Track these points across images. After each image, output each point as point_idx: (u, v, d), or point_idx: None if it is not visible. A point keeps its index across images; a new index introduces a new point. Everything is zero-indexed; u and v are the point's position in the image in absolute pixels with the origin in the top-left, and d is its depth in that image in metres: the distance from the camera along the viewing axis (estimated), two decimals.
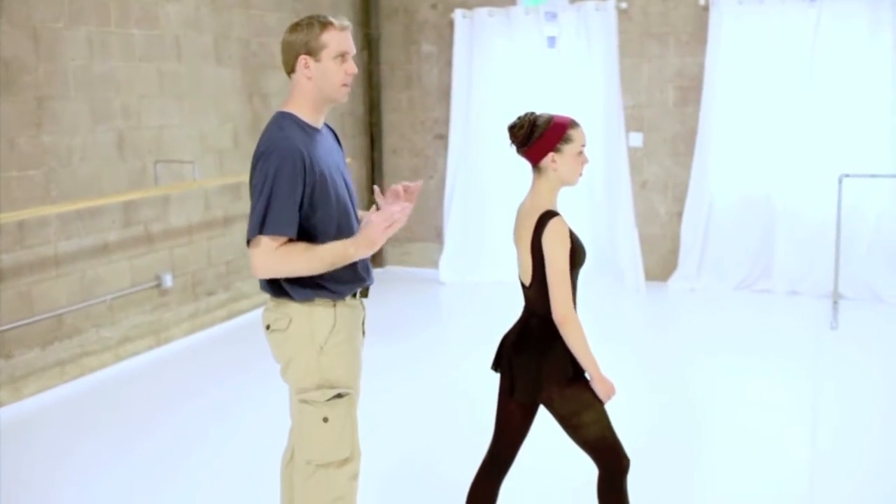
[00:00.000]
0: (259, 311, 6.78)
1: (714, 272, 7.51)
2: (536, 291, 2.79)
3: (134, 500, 3.83)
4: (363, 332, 2.82)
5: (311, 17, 2.64)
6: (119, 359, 5.64)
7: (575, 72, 7.64)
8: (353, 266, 2.65)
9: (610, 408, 2.86)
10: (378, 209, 2.81)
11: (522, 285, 2.89)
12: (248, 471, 4.10)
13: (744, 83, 7.26)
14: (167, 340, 6.04)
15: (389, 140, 8.42)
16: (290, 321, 2.62)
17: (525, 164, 2.90)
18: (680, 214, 7.62)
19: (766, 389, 5.12)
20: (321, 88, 2.62)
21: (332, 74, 2.61)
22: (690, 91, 7.49)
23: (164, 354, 5.90)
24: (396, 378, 5.30)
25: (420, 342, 6.21)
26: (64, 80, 5.16)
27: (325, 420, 2.63)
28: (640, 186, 7.72)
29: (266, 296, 2.75)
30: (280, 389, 4.98)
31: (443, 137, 8.22)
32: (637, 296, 7.45)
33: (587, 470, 2.96)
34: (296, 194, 2.50)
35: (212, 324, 6.45)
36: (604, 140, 7.48)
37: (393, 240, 8.04)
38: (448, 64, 8.04)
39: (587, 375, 2.83)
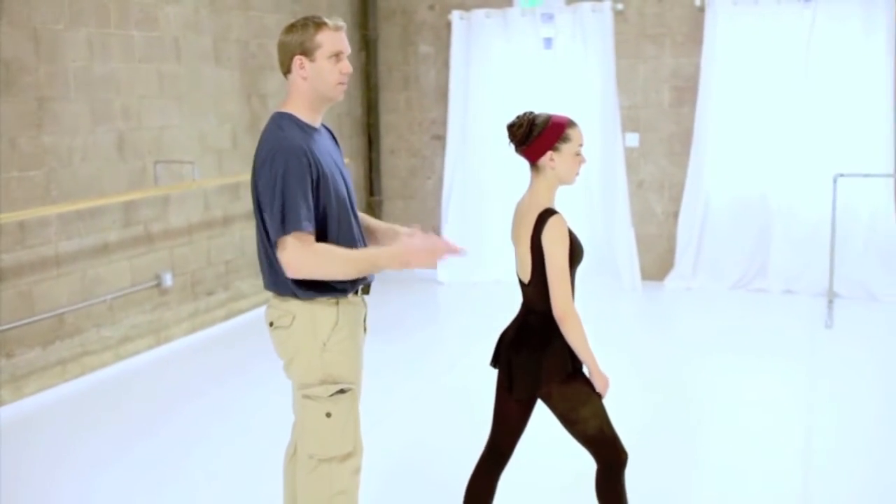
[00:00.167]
0: (258, 311, 6.86)
1: (710, 271, 7.56)
2: (535, 288, 2.84)
3: (135, 498, 3.86)
4: (364, 329, 2.86)
5: (305, 18, 2.68)
6: (119, 358, 5.68)
7: (571, 73, 7.69)
8: None
9: (607, 405, 2.91)
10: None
11: (521, 283, 2.93)
12: (248, 468, 4.13)
13: (739, 84, 7.31)
14: (167, 340, 6.07)
15: (387, 141, 8.46)
16: (294, 318, 2.66)
17: (523, 165, 2.94)
18: (676, 214, 7.67)
19: (762, 387, 5.16)
20: (317, 88, 2.66)
21: (327, 74, 2.65)
22: (686, 91, 7.54)
23: (164, 354, 5.94)
24: (396, 376, 5.34)
25: (419, 341, 6.25)
26: (64, 81, 5.19)
27: (328, 415, 2.66)
28: (637, 186, 7.77)
29: (266, 294, 2.79)
30: (280, 388, 5.03)
31: (440, 138, 8.27)
32: (633, 295, 7.50)
33: (585, 465, 3.01)
34: (307, 190, 2.54)
35: (211, 323, 6.49)
36: (600, 140, 7.53)
37: None
38: (445, 65, 8.08)
39: (585, 370, 2.87)
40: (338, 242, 2.65)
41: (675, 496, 3.80)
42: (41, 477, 4.07)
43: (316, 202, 2.59)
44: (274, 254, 2.61)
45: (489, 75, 7.90)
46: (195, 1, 6.20)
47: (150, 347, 5.93)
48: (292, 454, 2.99)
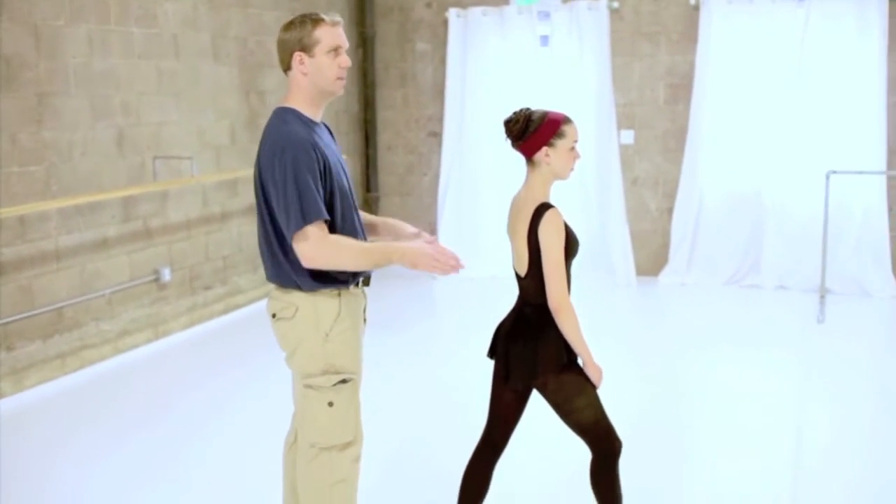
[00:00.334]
0: (255, 306, 6.92)
1: (704, 267, 7.63)
2: (532, 281, 2.89)
3: (133, 489, 3.91)
4: (364, 320, 2.91)
5: (303, 16, 2.74)
6: (118, 352, 5.72)
7: (567, 70, 7.74)
8: None
9: (601, 395, 2.96)
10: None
11: (517, 275, 2.99)
12: (247, 459, 4.18)
13: (733, 81, 7.38)
14: (165, 334, 6.12)
15: (384, 137, 8.51)
16: (297, 310, 2.71)
17: (518, 161, 2.99)
18: (670, 210, 7.73)
19: (754, 381, 5.23)
20: (317, 83, 2.72)
21: (326, 69, 2.70)
22: (681, 89, 7.60)
23: (162, 347, 5.98)
24: (394, 368, 5.40)
25: (416, 334, 6.30)
26: (64, 77, 5.24)
27: (331, 404, 2.71)
28: (632, 183, 7.83)
29: (264, 289, 2.84)
30: (278, 381, 5.09)
31: (437, 135, 8.32)
32: (628, 290, 7.56)
33: (580, 455, 3.07)
34: (317, 181, 2.59)
35: (209, 317, 6.54)
36: (596, 137, 7.59)
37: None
38: (442, 62, 8.14)
39: (580, 362, 2.93)
40: (341, 234, 2.70)
41: (668, 487, 3.86)
42: (41, 468, 4.12)
43: (324, 194, 2.64)
44: (278, 246, 2.66)
45: (486, 72, 7.96)
46: None
47: (149, 341, 5.98)
48: (292, 443, 3.04)
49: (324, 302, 2.71)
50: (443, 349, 5.99)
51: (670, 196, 7.74)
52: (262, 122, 6.97)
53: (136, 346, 5.87)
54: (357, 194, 8.30)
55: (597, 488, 3.01)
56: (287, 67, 2.73)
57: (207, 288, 6.54)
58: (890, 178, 7.15)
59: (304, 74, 2.71)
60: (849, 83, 7.09)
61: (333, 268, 2.65)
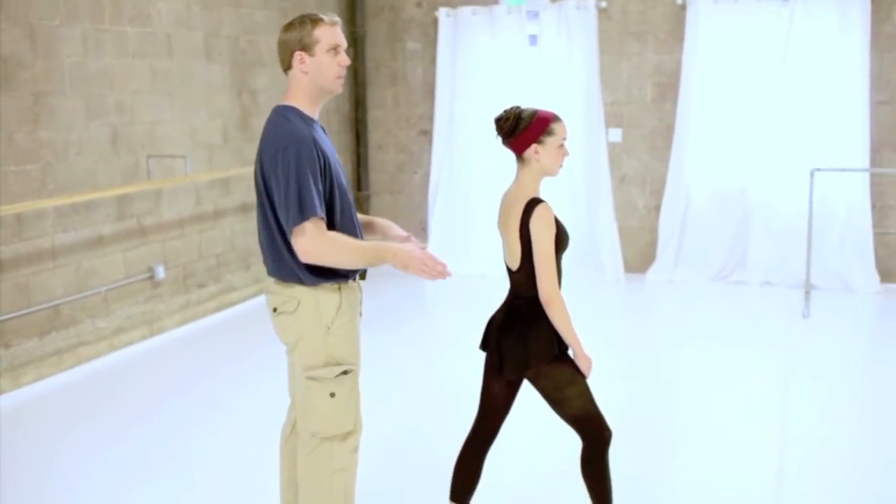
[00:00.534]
0: (248, 303, 6.99)
1: (691, 264, 7.73)
2: (523, 274, 2.98)
3: (130, 484, 3.97)
4: (360, 313, 2.99)
5: (302, 16, 2.82)
6: (114, 348, 5.79)
7: (556, 69, 7.84)
8: None
9: (590, 386, 3.05)
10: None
11: (508, 270, 3.07)
12: (241, 453, 4.26)
13: (719, 80, 7.49)
14: (160, 331, 6.19)
15: (375, 136, 8.58)
16: (299, 304, 2.78)
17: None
18: (658, 208, 7.83)
19: (740, 374, 5.33)
20: (317, 81, 2.80)
21: (326, 67, 2.79)
22: (668, 88, 7.70)
23: (157, 344, 6.05)
24: (388, 363, 5.48)
25: (409, 331, 6.38)
26: (60, 77, 5.30)
27: (332, 395, 2.79)
28: (620, 181, 7.93)
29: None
30: (271, 377, 5.19)
31: (427, 133, 8.40)
32: (616, 287, 7.66)
33: (570, 444, 3.16)
34: (317, 178, 2.68)
35: (203, 315, 6.60)
36: (584, 135, 7.68)
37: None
38: (432, 61, 8.22)
39: (570, 352, 3.02)
40: (340, 229, 2.79)
41: (656, 476, 3.96)
42: (39, 463, 4.18)
43: (324, 190, 2.72)
44: (282, 241, 2.74)
45: (475, 72, 8.04)
46: None
47: (144, 338, 6.04)
48: (289, 434, 3.11)
49: (325, 296, 2.79)
50: (435, 345, 6.08)
51: (658, 194, 7.84)
52: (255, 120, 7.05)
53: (131, 342, 5.93)
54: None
55: (587, 476, 3.10)
56: (287, 67, 2.82)
57: (201, 286, 6.61)
58: (873, 176, 7.27)
59: (305, 73, 2.79)
60: (832, 81, 7.21)
61: (329, 264, 2.73)
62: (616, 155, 7.89)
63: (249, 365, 5.55)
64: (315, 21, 2.77)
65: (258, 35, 7.05)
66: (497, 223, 3.10)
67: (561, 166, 3.02)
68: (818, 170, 6.88)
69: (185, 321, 6.43)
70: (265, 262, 2.88)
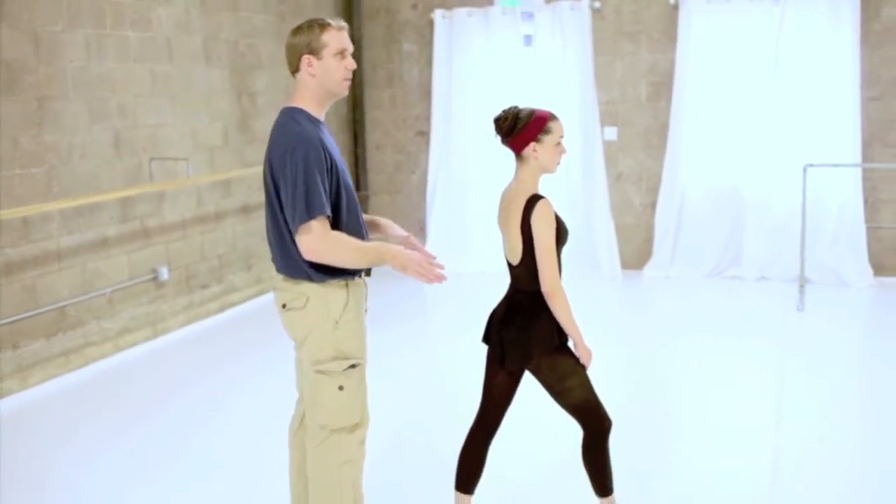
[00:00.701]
0: (250, 304, 7.08)
1: (687, 260, 7.82)
2: (524, 269, 3.07)
3: (137, 481, 4.04)
4: (366, 309, 3.08)
5: (311, 21, 2.90)
6: (119, 349, 5.86)
7: (551, 69, 7.93)
8: None
9: (590, 377, 3.14)
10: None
11: (509, 265, 3.16)
12: (248, 450, 4.34)
13: (712, 78, 7.58)
14: (164, 332, 6.26)
15: (372, 137, 8.67)
16: (308, 300, 2.87)
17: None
18: (653, 205, 7.93)
19: (737, 367, 5.43)
20: (324, 84, 2.89)
21: (333, 70, 2.88)
22: (662, 87, 7.80)
23: (161, 345, 6.12)
24: (390, 360, 5.55)
25: (410, 329, 6.46)
26: (63, 81, 5.38)
27: (341, 388, 2.88)
28: (615, 178, 8.02)
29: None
30: (274, 376, 5.28)
31: (424, 134, 8.48)
32: (613, 284, 7.75)
33: (571, 435, 3.24)
34: (324, 178, 2.77)
35: (206, 315, 6.68)
36: (580, 134, 7.77)
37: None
38: (428, 62, 8.30)
39: (570, 344, 3.11)
40: (346, 228, 2.88)
41: (655, 464, 4.04)
42: (47, 462, 4.25)
43: (330, 190, 2.81)
44: (290, 239, 2.82)
45: (471, 72, 8.13)
46: (186, 2, 6.39)
47: (148, 339, 6.12)
48: (297, 428, 3.20)
49: (333, 292, 2.87)
50: (435, 342, 6.17)
51: (653, 191, 7.94)
52: (254, 123, 7.13)
53: (135, 343, 6.01)
54: None
55: (588, 465, 3.20)
56: (295, 70, 2.90)
57: (203, 286, 6.69)
58: (865, 171, 7.36)
59: (312, 76, 2.87)
60: (824, 79, 7.31)
61: (331, 262, 2.82)
62: (612, 153, 7.98)
63: (252, 364, 5.64)
64: (323, 26, 2.86)
65: (257, 38, 7.13)
66: (497, 219, 3.19)
67: (558, 164, 3.12)
68: (811, 166, 6.97)
69: (189, 322, 6.51)
70: (274, 259, 2.97)
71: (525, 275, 3.09)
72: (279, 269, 2.95)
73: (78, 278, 5.53)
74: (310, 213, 2.74)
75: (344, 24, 2.91)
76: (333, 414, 2.90)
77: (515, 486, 3.85)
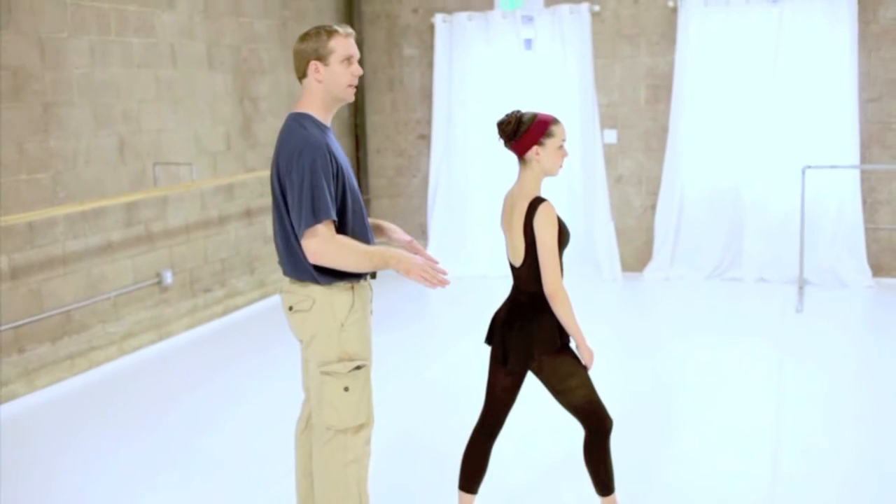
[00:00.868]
0: (253, 307, 7.13)
1: (687, 262, 7.87)
2: (526, 270, 3.12)
3: (143, 484, 4.08)
4: (371, 311, 3.12)
5: (318, 27, 2.95)
6: (124, 353, 5.91)
7: (551, 72, 7.98)
8: None
9: (592, 377, 3.19)
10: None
11: (512, 266, 3.21)
12: (254, 452, 4.38)
13: (711, 81, 7.63)
14: (168, 335, 6.31)
15: (374, 140, 8.72)
16: (314, 302, 2.92)
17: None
18: (653, 207, 7.97)
19: (737, 367, 5.47)
20: (330, 90, 2.94)
21: (339, 76, 2.93)
22: (661, 89, 7.85)
23: (165, 348, 6.17)
24: (392, 364, 5.59)
25: (410, 332, 6.49)
26: (68, 87, 5.43)
27: (346, 389, 2.92)
28: (616, 181, 8.07)
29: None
30: (278, 378, 5.34)
31: (425, 137, 8.54)
32: (614, 285, 7.80)
33: (573, 435, 3.29)
34: (330, 182, 2.82)
35: (209, 319, 6.73)
36: (580, 137, 7.82)
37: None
38: (429, 66, 8.35)
39: (572, 345, 3.16)
40: (353, 231, 2.93)
41: (653, 466, 4.09)
42: (54, 464, 4.30)
43: (336, 194, 2.86)
44: (297, 242, 2.87)
45: (472, 76, 8.18)
46: (189, 8, 6.44)
47: (153, 343, 6.17)
48: (303, 428, 3.24)
49: (339, 294, 2.92)
50: (437, 344, 6.21)
51: (653, 193, 7.98)
52: (257, 127, 7.19)
53: (140, 347, 6.05)
54: None
55: (590, 464, 3.24)
56: (302, 75, 2.95)
57: (207, 290, 6.73)
58: (863, 172, 7.41)
59: (319, 82, 2.92)
60: (822, 80, 7.35)
61: (335, 265, 2.86)
62: (612, 155, 8.03)
63: (256, 367, 5.68)
64: (330, 32, 2.91)
65: (259, 44, 7.18)
66: (500, 221, 3.23)
67: (561, 166, 3.17)
68: (809, 167, 7.03)
69: (193, 325, 6.55)
70: (281, 262, 3.01)
71: (527, 276, 3.13)
72: (286, 272, 2.99)
73: (83, 282, 5.58)
74: (315, 218, 2.79)
75: (351, 30, 2.97)
76: (339, 414, 2.95)
77: (518, 486, 3.89)
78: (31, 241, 5.21)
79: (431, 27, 8.27)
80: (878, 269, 7.50)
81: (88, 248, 5.62)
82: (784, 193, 7.48)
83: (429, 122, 8.44)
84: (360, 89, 8.55)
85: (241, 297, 7.11)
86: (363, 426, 3.00)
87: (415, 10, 8.39)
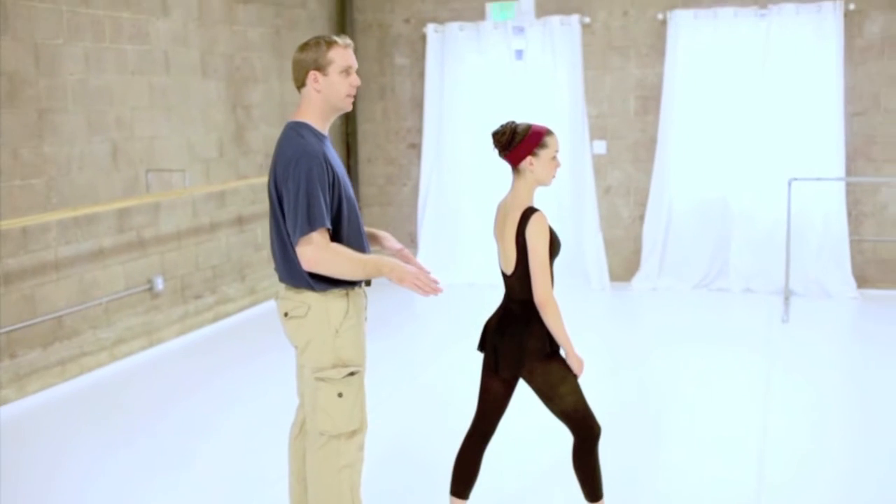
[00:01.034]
0: (244, 314, 7.16)
1: (674, 272, 7.94)
2: (518, 279, 3.17)
3: (134, 490, 4.09)
4: (366, 318, 3.16)
5: (317, 38, 3.00)
6: (115, 358, 5.93)
7: (541, 83, 8.05)
8: None
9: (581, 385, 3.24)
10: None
11: (503, 274, 3.26)
12: (245, 458, 4.41)
13: (700, 93, 7.72)
14: (159, 341, 6.33)
15: (364, 149, 8.76)
16: (310, 308, 2.96)
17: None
18: (642, 218, 8.05)
19: (723, 376, 5.54)
20: (329, 99, 2.99)
21: (338, 87, 2.98)
22: (650, 101, 7.93)
23: (156, 354, 6.18)
24: (382, 371, 5.62)
25: (400, 339, 6.53)
26: (63, 94, 5.46)
27: (340, 395, 2.96)
28: (604, 191, 8.14)
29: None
30: (269, 384, 5.38)
31: (416, 146, 8.59)
32: (602, 295, 7.86)
33: (563, 442, 3.34)
34: (325, 192, 2.87)
35: (200, 326, 6.75)
36: (569, 147, 7.88)
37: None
38: (421, 76, 8.41)
39: (562, 353, 3.21)
40: (348, 239, 2.97)
41: (643, 470, 4.14)
42: (45, 471, 4.30)
43: (331, 203, 2.90)
44: (293, 249, 2.91)
45: (463, 86, 8.24)
46: (183, 16, 6.48)
47: (144, 348, 6.18)
48: (297, 434, 3.28)
49: (334, 301, 2.96)
50: (426, 351, 6.26)
51: (641, 204, 8.06)
52: (249, 135, 7.22)
53: (131, 353, 6.07)
54: None
55: (579, 470, 3.29)
56: (301, 84, 3.00)
57: (198, 297, 6.76)
58: (848, 185, 7.51)
59: (318, 91, 2.97)
60: (808, 94, 7.46)
61: (329, 273, 2.91)
62: (601, 166, 8.10)
63: (246, 373, 5.71)
64: (329, 43, 2.95)
65: (252, 52, 7.23)
66: (493, 230, 3.28)
67: (554, 177, 3.23)
68: (796, 179, 7.12)
69: (183, 331, 6.57)
70: (277, 269, 3.05)
71: (518, 284, 3.18)
72: (282, 279, 3.03)
73: (75, 288, 5.59)
74: (310, 225, 2.83)
75: (350, 41, 3.01)
76: (333, 420, 2.98)
77: (509, 492, 3.94)
78: (24, 246, 5.23)
79: (423, 37, 8.33)
80: (862, 281, 7.59)
81: (80, 253, 5.64)
82: (770, 205, 7.57)
83: (419, 131, 8.50)
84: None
85: (232, 303, 7.13)
86: (356, 432, 3.04)
87: (407, 20, 8.45)
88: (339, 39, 2.98)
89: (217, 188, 6.82)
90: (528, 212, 3.12)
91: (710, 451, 4.38)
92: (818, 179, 7.23)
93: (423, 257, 8.33)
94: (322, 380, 2.97)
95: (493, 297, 3.30)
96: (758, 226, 7.69)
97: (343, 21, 8.46)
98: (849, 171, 7.48)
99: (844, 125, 7.41)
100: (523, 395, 3.39)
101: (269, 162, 7.42)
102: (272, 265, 3.12)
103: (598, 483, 3.30)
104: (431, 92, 8.31)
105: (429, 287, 2.95)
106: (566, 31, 7.91)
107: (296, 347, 3.07)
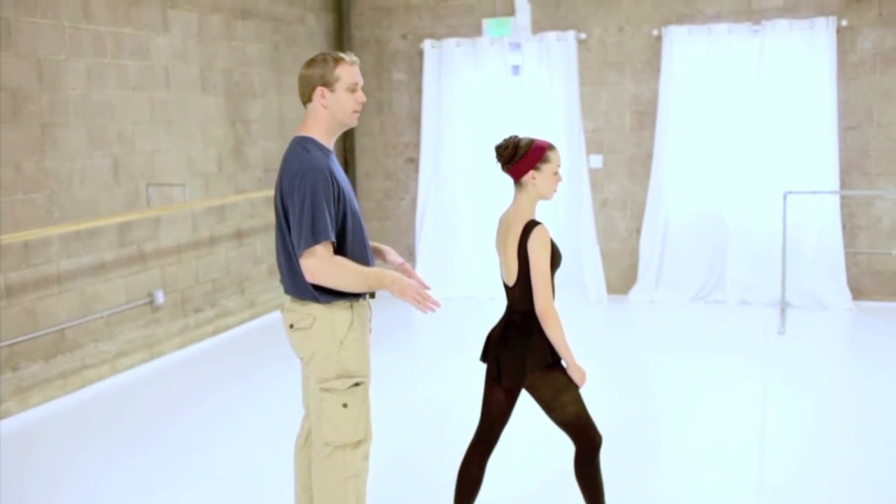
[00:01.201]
0: (244, 327, 7.18)
1: (671, 284, 7.99)
2: (520, 290, 3.22)
3: (139, 501, 4.11)
4: (370, 329, 3.20)
5: (324, 54, 3.05)
6: (116, 371, 5.95)
7: (538, 98, 8.12)
8: None
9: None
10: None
11: (505, 286, 3.30)
12: (247, 470, 4.42)
13: (695, 107, 7.80)
14: (159, 354, 6.35)
15: (362, 164, 8.81)
16: (315, 320, 3.00)
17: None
18: (638, 231, 8.10)
19: (720, 388, 5.58)
20: (335, 115, 3.04)
21: (344, 103, 3.03)
22: (646, 115, 8.00)
23: (157, 367, 6.20)
24: (383, 382, 5.64)
25: (400, 351, 6.54)
26: (65, 109, 5.50)
27: (345, 406, 3.00)
28: (601, 205, 8.20)
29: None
30: (270, 397, 5.39)
31: (413, 161, 8.64)
32: (599, 308, 7.90)
33: (565, 452, 3.37)
34: (330, 206, 2.91)
35: (200, 339, 6.77)
36: (566, 162, 7.93)
37: None
38: (418, 91, 8.48)
39: (563, 363, 3.25)
40: (352, 253, 3.02)
41: (641, 482, 4.17)
42: (45, 484, 4.32)
43: (336, 216, 2.95)
44: (297, 261, 2.95)
45: (460, 101, 8.31)
46: (183, 32, 6.54)
47: (144, 361, 6.21)
48: (302, 444, 3.30)
49: (338, 313, 3.00)
50: (425, 363, 6.28)
51: (638, 217, 8.12)
52: (248, 149, 7.27)
53: (132, 366, 6.09)
54: None
55: (580, 479, 3.32)
56: (308, 100, 3.04)
57: (198, 310, 6.78)
58: (843, 198, 7.58)
59: (325, 107, 3.02)
60: (803, 108, 7.53)
61: (332, 285, 2.95)
62: (597, 180, 8.16)
63: (248, 385, 5.73)
64: (337, 59, 3.01)
65: (251, 67, 7.28)
66: (495, 242, 3.33)
67: (555, 191, 3.29)
68: (791, 193, 7.18)
69: (184, 345, 6.60)
70: (282, 281, 3.09)
71: (520, 296, 3.23)
72: (287, 291, 3.07)
73: (76, 301, 5.62)
74: (315, 238, 2.87)
75: (356, 59, 3.07)
76: (337, 430, 3.02)
77: (511, 501, 3.96)
78: (26, 260, 5.26)
79: (420, 53, 8.40)
80: (857, 293, 7.65)
81: (82, 267, 5.67)
82: (766, 218, 7.63)
83: (417, 145, 8.55)
84: None
85: (232, 317, 7.16)
86: (361, 442, 3.07)
87: (404, 36, 8.52)
88: (346, 56, 3.03)
89: (217, 202, 6.87)
90: (531, 225, 3.17)
91: (708, 460, 4.42)
92: (813, 193, 7.30)
93: (421, 271, 8.36)
94: (327, 390, 3.01)
95: (492, 309, 3.35)
96: (753, 238, 7.75)
97: (341, 37, 8.53)
98: (843, 185, 7.55)
99: (838, 139, 7.49)
100: (525, 405, 3.42)
101: (267, 176, 7.53)
102: (271, 279, 3.17)
103: (600, 492, 3.33)
104: (429, 107, 8.37)
105: (428, 302, 2.99)
106: (562, 46, 7.98)
107: (301, 358, 3.10)
